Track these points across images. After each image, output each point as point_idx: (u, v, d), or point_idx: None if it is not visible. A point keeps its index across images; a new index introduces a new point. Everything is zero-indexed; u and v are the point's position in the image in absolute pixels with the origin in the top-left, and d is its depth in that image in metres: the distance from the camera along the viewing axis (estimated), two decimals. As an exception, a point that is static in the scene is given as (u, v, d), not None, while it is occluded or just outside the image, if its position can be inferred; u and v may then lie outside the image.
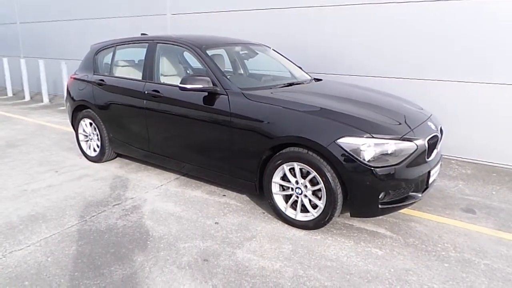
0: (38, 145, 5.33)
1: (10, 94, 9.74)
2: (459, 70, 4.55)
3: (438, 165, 3.16)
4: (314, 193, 2.89)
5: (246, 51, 4.56)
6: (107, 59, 4.50)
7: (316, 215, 2.89)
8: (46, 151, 5.04)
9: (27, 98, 9.27)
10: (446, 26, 4.53)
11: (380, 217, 3.16)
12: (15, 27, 10.37)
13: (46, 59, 8.93)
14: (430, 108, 3.84)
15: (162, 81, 3.85)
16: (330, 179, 2.73)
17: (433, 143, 3.01)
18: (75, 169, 4.35)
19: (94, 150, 4.57)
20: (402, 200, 2.83)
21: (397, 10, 4.84)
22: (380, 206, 2.74)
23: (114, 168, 4.40)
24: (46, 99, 8.85)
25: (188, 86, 3.27)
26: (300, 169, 2.90)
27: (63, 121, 6.76)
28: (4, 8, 10.46)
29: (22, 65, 9.02)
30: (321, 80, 4.26)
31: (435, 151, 3.08)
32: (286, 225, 3.06)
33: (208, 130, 3.39)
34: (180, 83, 3.31)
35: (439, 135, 3.19)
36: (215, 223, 3.10)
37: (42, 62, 8.60)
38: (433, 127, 3.15)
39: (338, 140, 2.69)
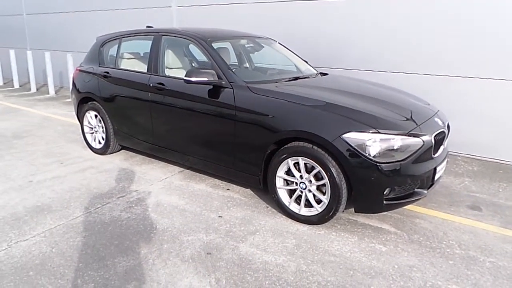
0: (44, 136, 5.35)
1: (16, 85, 9.79)
2: (469, 66, 4.48)
3: (445, 162, 3.13)
4: (319, 188, 2.88)
5: (251, 44, 4.53)
6: (113, 51, 4.49)
7: (320, 210, 2.88)
8: (52, 142, 5.07)
9: (33, 90, 9.31)
10: (460, 22, 4.45)
11: (385, 213, 3.14)
12: (21, 18, 10.39)
13: (52, 51, 8.95)
14: (436, 103, 3.80)
15: (167, 74, 3.84)
16: (334, 174, 2.71)
17: (439, 139, 2.98)
18: (80, 161, 4.37)
19: (99, 142, 4.58)
20: (407, 196, 2.81)
21: (410, 3, 4.76)
22: (385, 202, 2.72)
23: (118, 160, 4.41)
24: (52, 91, 8.89)
25: (193, 79, 3.26)
26: (305, 164, 2.89)
27: (68, 113, 6.79)
28: (10, -1, 10.49)
29: (28, 57, 9.05)
30: (327, 74, 4.22)
31: (441, 148, 3.04)
32: (289, 220, 3.05)
33: (212, 123, 3.38)
34: (185, 76, 3.29)
35: (446, 131, 3.16)
36: (219, 216, 3.10)
37: (48, 54, 8.61)
38: (440, 123, 3.11)
39: (344, 135, 2.66)
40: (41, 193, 3.50)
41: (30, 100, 8.14)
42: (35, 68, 9.28)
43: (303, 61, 4.43)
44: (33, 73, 9.22)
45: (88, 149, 4.73)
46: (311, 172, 2.87)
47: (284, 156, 2.95)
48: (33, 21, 10.11)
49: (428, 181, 2.89)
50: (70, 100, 8.01)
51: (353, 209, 2.86)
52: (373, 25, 5.06)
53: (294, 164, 2.95)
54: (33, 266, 2.42)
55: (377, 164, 2.62)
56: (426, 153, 2.80)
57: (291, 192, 3.06)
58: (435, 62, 4.69)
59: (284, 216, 3.10)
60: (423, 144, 2.76)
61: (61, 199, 3.38)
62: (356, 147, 2.64)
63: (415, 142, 2.73)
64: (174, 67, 4.01)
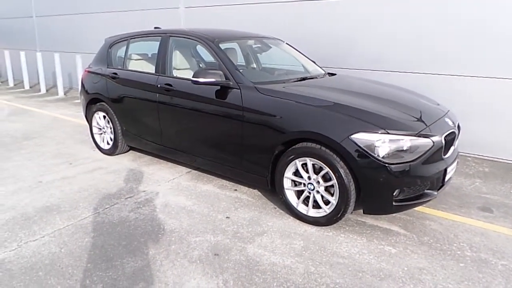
0: (53, 137, 5.41)
1: (27, 87, 9.92)
2: (480, 65, 4.42)
3: (455, 163, 3.08)
4: (327, 189, 2.86)
5: (259, 45, 4.52)
6: (121, 52, 4.52)
7: (328, 211, 2.85)
8: (61, 143, 5.12)
9: (43, 91, 9.42)
10: (470, 20, 4.39)
11: (394, 214, 3.10)
12: (31, 20, 10.52)
13: (61, 53, 9.04)
14: (446, 103, 3.75)
15: (175, 75, 3.85)
16: (343, 175, 2.69)
17: (450, 140, 2.94)
18: (89, 162, 4.40)
19: (108, 143, 4.61)
20: (417, 198, 2.77)
21: (417, 3, 4.71)
22: (394, 203, 2.69)
23: (127, 161, 4.43)
24: (61, 92, 8.98)
25: (201, 80, 3.26)
26: (313, 165, 2.86)
27: (77, 114, 6.85)
28: (21, 1, 10.61)
29: (38, 59, 9.16)
30: (335, 74, 4.19)
31: (452, 148, 3.00)
32: (297, 221, 3.03)
33: (220, 124, 3.37)
34: (193, 77, 3.30)
35: (457, 132, 3.11)
36: (226, 217, 3.10)
37: (58, 55, 8.70)
38: (450, 123, 3.07)
39: (352, 136, 2.64)
40: (50, 193, 3.53)
41: (40, 101, 8.23)
42: (45, 70, 9.38)
43: (311, 61, 4.41)
44: (42, 75, 9.34)
45: (97, 149, 4.76)
46: (319, 173, 2.85)
47: (292, 157, 2.93)
48: (42, 23, 10.23)
49: (438, 182, 2.85)
50: (79, 101, 8.09)
51: (361, 211, 2.83)
52: (380, 24, 5.01)
53: (302, 165, 2.93)
54: (43, 266, 2.44)
55: (386, 165, 2.59)
56: (436, 154, 2.77)
57: (299, 193, 3.04)
58: (444, 61, 4.64)
59: (292, 217, 3.08)
60: (433, 145, 2.72)
61: (70, 200, 3.40)
62: (364, 148, 2.61)
63: (424, 142, 2.69)
64: (181, 68, 4.02)
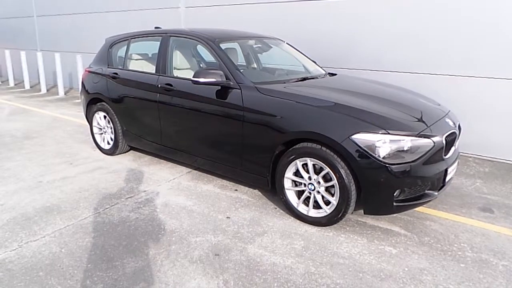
0: (54, 137, 5.41)
1: (27, 86, 9.91)
2: (481, 66, 4.41)
3: (456, 163, 3.08)
4: (327, 189, 2.86)
5: (259, 45, 4.52)
6: (121, 52, 4.51)
7: (329, 211, 2.85)
8: (61, 143, 5.12)
9: (44, 90, 9.41)
10: (472, 21, 4.39)
11: (395, 215, 3.10)
12: (32, 20, 10.52)
13: (62, 52, 9.04)
14: (447, 104, 3.75)
15: (175, 75, 3.85)
16: (343, 176, 2.69)
17: (450, 140, 2.93)
18: (89, 162, 4.40)
19: (108, 143, 4.61)
20: (417, 198, 2.77)
21: (419, 2, 4.71)
22: (394, 203, 2.68)
23: (127, 161, 4.43)
24: (61, 92, 8.98)
25: (201, 80, 3.26)
26: (313, 165, 2.86)
27: (78, 114, 6.85)
28: (22, 1, 10.61)
29: (38, 58, 9.16)
30: (335, 74, 4.19)
31: (452, 148, 3.00)
32: (298, 221, 3.03)
33: (220, 124, 3.37)
34: (193, 77, 3.30)
35: (457, 132, 3.11)
36: (227, 217, 3.10)
37: (58, 55, 8.70)
38: (451, 123, 3.07)
39: (353, 136, 2.64)
40: (50, 193, 3.53)
41: (40, 101, 8.23)
42: (45, 69, 9.38)
43: (312, 62, 4.40)
44: (43, 74, 9.33)
45: (97, 149, 4.77)
46: (319, 173, 2.84)
47: (293, 157, 2.93)
48: (43, 22, 10.23)
49: (439, 182, 2.85)
50: (79, 101, 8.09)
51: (362, 211, 2.83)
52: (381, 25, 5.01)
53: (303, 165, 2.93)
54: (43, 267, 2.44)
55: (387, 165, 2.59)
56: (436, 154, 2.76)
57: (299, 193, 3.04)
58: (445, 62, 4.63)
59: (292, 218, 3.08)
60: (434, 145, 2.72)
61: (70, 200, 3.40)
62: (365, 148, 2.61)
63: (425, 143, 2.69)
64: (182, 68, 4.02)
